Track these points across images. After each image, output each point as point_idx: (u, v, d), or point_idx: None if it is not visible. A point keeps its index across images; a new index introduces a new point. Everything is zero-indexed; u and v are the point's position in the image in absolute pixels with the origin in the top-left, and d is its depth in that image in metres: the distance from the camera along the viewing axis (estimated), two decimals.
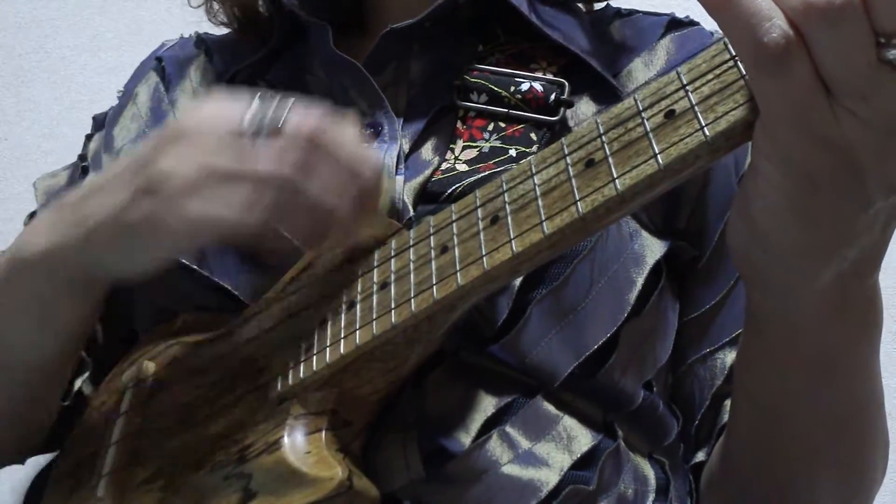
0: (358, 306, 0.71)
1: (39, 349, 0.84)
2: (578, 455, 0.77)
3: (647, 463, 0.83)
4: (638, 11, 0.98)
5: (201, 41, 1.04)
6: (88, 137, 1.08)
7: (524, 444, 0.76)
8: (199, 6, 1.03)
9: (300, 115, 0.69)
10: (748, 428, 0.78)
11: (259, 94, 0.71)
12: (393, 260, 0.72)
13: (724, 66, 0.56)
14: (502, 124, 0.84)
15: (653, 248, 0.84)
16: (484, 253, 0.65)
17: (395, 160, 0.82)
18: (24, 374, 0.86)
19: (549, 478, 0.75)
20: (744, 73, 0.55)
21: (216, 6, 1.02)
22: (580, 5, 0.96)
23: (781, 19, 0.50)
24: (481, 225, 0.66)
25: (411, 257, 0.70)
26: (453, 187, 0.79)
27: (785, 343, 0.68)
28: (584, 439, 0.78)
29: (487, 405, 0.76)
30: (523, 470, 0.75)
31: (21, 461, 0.96)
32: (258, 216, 0.67)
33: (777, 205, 0.57)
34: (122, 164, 0.74)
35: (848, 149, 0.52)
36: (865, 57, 0.49)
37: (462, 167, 0.81)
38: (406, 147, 0.84)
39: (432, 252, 0.69)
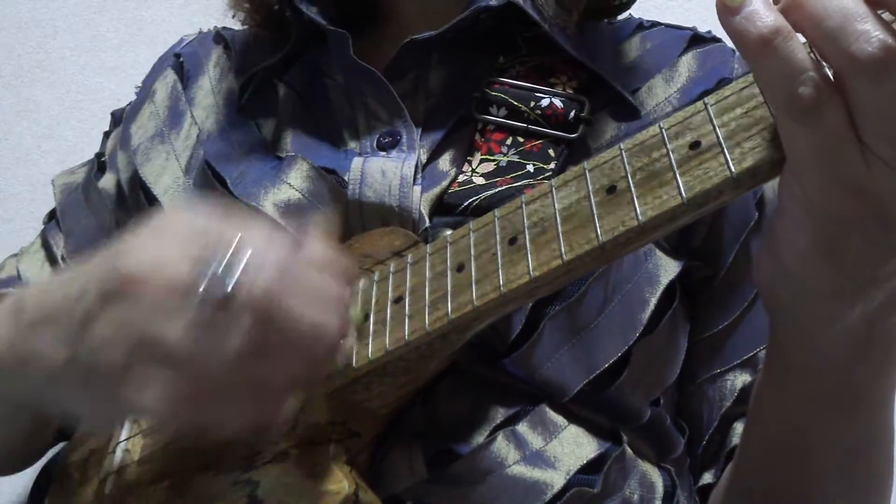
0: (371, 319, 0.71)
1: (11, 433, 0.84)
2: (585, 460, 0.77)
3: (656, 470, 0.84)
4: (660, 24, 0.98)
5: (220, 37, 1.04)
6: (106, 135, 1.08)
7: (531, 445, 0.76)
8: (197, 21, 1.02)
9: (256, 272, 0.59)
10: (764, 456, 0.77)
11: (208, 247, 0.60)
12: (409, 274, 0.71)
13: (754, 102, 0.56)
14: (521, 139, 0.83)
15: (667, 268, 0.84)
16: (501, 275, 0.64)
17: (412, 170, 0.82)
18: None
19: (554, 480, 0.75)
20: (773, 112, 0.55)
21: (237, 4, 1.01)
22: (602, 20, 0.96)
23: (818, 72, 0.49)
24: (499, 246, 0.66)
25: (427, 273, 0.70)
26: (470, 200, 0.79)
27: (809, 377, 0.68)
28: (590, 447, 0.78)
29: (496, 414, 0.76)
30: (529, 471, 0.75)
31: (26, 467, 0.97)
32: (188, 406, 0.60)
33: (805, 248, 0.56)
34: (69, 298, 0.64)
35: (878, 195, 0.52)
36: None
37: (479, 180, 0.81)
38: (424, 157, 0.84)
39: (448, 270, 0.68)
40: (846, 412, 0.70)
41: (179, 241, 0.61)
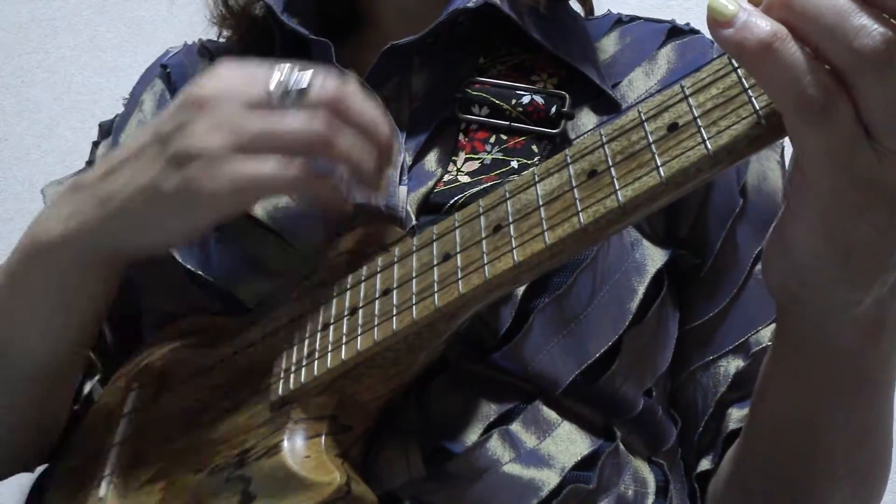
0: (360, 312, 0.71)
1: (51, 348, 0.84)
2: (579, 457, 0.77)
3: (647, 466, 0.84)
4: (639, 18, 0.99)
5: (205, 49, 1.05)
6: (95, 144, 1.08)
7: (526, 444, 0.76)
8: (198, 21, 1.03)
9: (321, 81, 0.71)
10: (772, 440, 0.77)
11: (278, 63, 0.72)
12: (396, 266, 0.72)
13: (728, 80, 0.57)
14: (504, 136, 0.84)
15: (654, 257, 0.85)
16: (486, 261, 0.65)
17: (398, 170, 0.82)
18: (32, 383, 0.86)
19: (549, 478, 0.75)
20: (746, 86, 0.55)
21: (224, 14, 1.02)
22: (579, 10, 0.96)
23: (822, 72, 0.49)
24: (484, 234, 0.67)
25: (414, 264, 0.70)
26: (456, 198, 0.80)
27: (820, 363, 0.68)
28: (583, 444, 0.78)
29: (489, 411, 0.76)
30: (524, 469, 0.75)
31: (30, 469, 0.97)
32: (294, 174, 0.70)
33: (817, 245, 0.56)
34: (142, 139, 0.75)
35: (891, 187, 0.52)
36: None
37: (464, 178, 0.82)
38: (409, 159, 0.84)
39: (435, 259, 0.69)
40: (854, 394, 0.70)
41: (241, 73, 0.73)
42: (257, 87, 0.71)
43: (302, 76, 0.71)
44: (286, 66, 0.72)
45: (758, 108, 0.54)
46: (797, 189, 0.55)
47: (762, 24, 0.50)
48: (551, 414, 0.78)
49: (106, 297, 0.85)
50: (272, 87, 0.71)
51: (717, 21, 0.51)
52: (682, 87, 0.59)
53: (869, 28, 0.47)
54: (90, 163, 1.07)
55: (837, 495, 0.79)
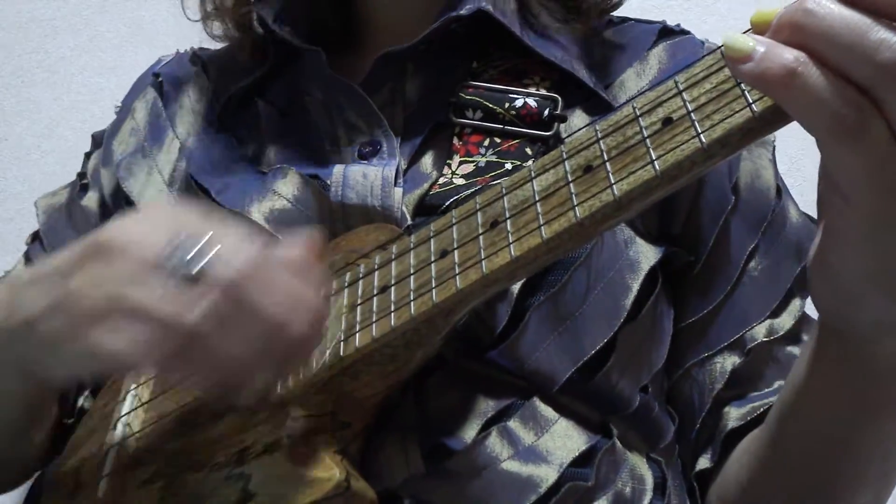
0: (358, 309, 0.72)
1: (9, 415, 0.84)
2: (577, 453, 0.78)
3: (645, 462, 0.84)
4: (630, 19, 0.99)
5: (197, 58, 1.05)
6: (87, 155, 1.09)
7: (524, 440, 0.76)
8: (198, 21, 1.03)
9: (226, 260, 0.63)
10: (801, 454, 0.77)
11: (185, 232, 0.65)
12: (393, 264, 0.72)
13: (721, 75, 0.57)
14: (497, 139, 0.85)
15: (647, 255, 0.85)
16: (483, 257, 0.65)
17: (393, 172, 0.83)
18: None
19: (548, 474, 0.75)
20: (739, 80, 0.56)
21: (214, 22, 1.02)
22: (578, 25, 0.96)
23: (851, 90, 0.48)
24: (481, 229, 0.67)
25: (411, 261, 0.71)
26: (451, 200, 0.80)
27: (859, 383, 0.68)
28: (580, 440, 0.79)
29: (486, 408, 0.77)
30: (523, 466, 0.75)
31: (13, 488, 0.97)
32: (155, 361, 0.63)
33: (864, 264, 0.56)
34: (52, 263, 0.70)
35: None
36: None
37: (459, 181, 0.82)
38: (404, 163, 0.85)
39: (432, 256, 0.69)
40: (892, 412, 0.71)
41: (159, 224, 0.66)
42: (158, 252, 0.64)
43: (201, 250, 0.63)
44: (193, 234, 0.64)
45: (751, 101, 0.55)
46: (837, 212, 0.55)
47: (783, 52, 0.49)
48: (548, 410, 0.79)
49: (50, 396, 0.86)
50: (167, 257, 0.63)
51: (736, 58, 0.50)
52: (676, 82, 0.60)
53: (889, 41, 0.47)
54: (82, 174, 1.07)
55: (861, 500, 0.79)
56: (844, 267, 0.58)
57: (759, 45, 0.50)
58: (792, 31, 0.50)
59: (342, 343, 0.71)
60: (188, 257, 0.63)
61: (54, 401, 0.90)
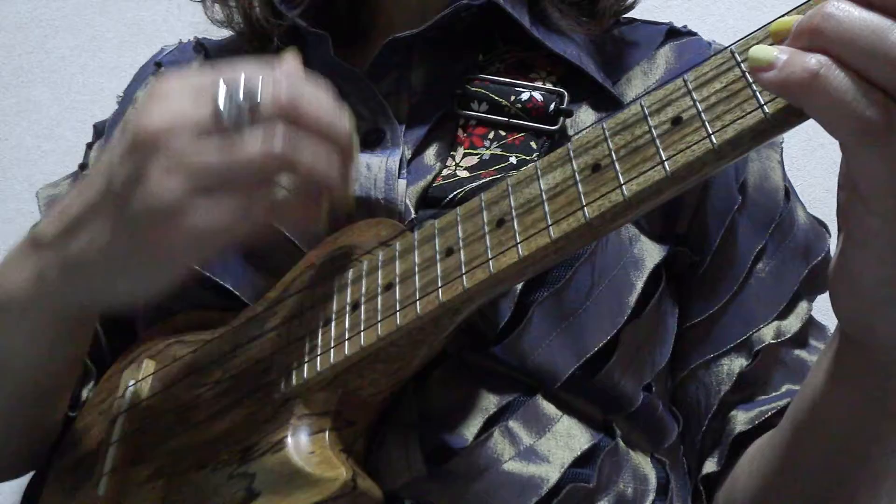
0: (362, 307, 0.71)
1: (34, 379, 0.84)
2: (579, 452, 0.77)
3: (648, 461, 0.84)
4: (637, 20, 0.99)
5: (201, 46, 1.05)
6: (89, 146, 1.08)
7: (525, 440, 0.76)
8: (198, 21, 1.03)
9: (271, 87, 0.66)
10: (818, 465, 0.77)
11: (219, 73, 0.67)
12: (397, 261, 0.72)
13: (731, 75, 0.57)
14: (503, 132, 0.84)
15: (652, 253, 0.85)
16: (490, 256, 0.65)
17: (397, 164, 0.82)
18: (19, 400, 0.86)
19: (549, 475, 0.75)
20: (750, 80, 0.55)
21: (215, 5, 1.02)
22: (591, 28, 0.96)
23: (876, 92, 0.48)
24: (487, 228, 0.67)
25: (416, 259, 0.70)
26: (454, 193, 0.80)
27: (880, 397, 0.68)
28: (583, 438, 0.79)
29: (489, 404, 0.76)
30: (524, 467, 0.75)
31: (18, 475, 0.97)
32: (259, 216, 0.66)
33: (888, 272, 0.56)
34: (96, 189, 0.70)
35: None
36: None
37: (463, 173, 0.82)
38: (408, 153, 0.84)
39: (437, 254, 0.69)
40: None
41: (187, 92, 0.67)
42: (205, 110, 0.65)
43: (250, 86, 0.65)
44: (232, 78, 0.66)
45: (762, 101, 0.54)
46: (858, 220, 0.55)
47: (805, 56, 0.49)
48: (550, 408, 0.79)
49: (84, 339, 0.85)
50: (221, 106, 0.65)
51: (760, 68, 0.50)
52: (686, 81, 0.59)
53: None
54: (83, 166, 1.06)
55: None
56: (866, 275, 0.57)
57: (782, 54, 0.49)
58: (812, 36, 0.49)
59: (347, 341, 0.70)
60: (239, 99, 0.65)
61: (87, 345, 0.89)
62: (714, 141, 0.56)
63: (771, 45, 0.52)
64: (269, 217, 0.67)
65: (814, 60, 0.49)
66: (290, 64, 0.69)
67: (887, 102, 0.48)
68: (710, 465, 0.89)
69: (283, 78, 0.66)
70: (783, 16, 0.54)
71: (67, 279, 0.73)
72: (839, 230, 0.59)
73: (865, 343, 0.65)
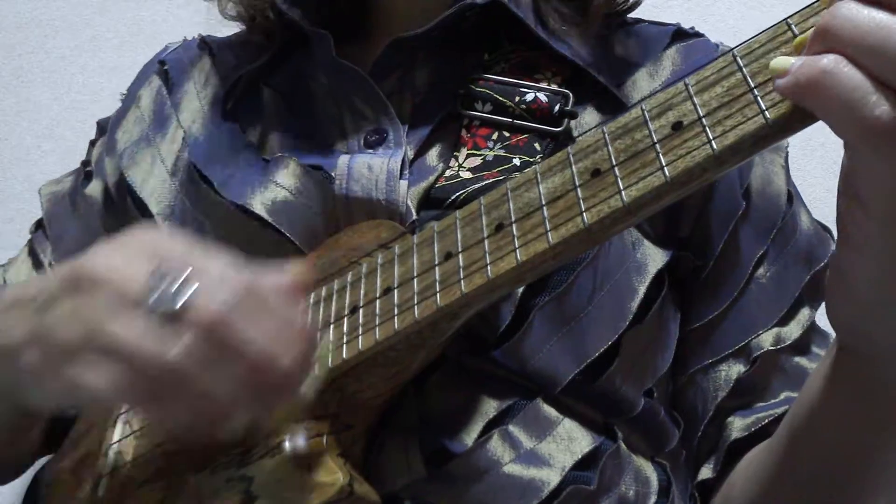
0: (361, 311, 0.71)
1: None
2: (580, 455, 0.77)
3: (650, 464, 0.83)
4: (643, 20, 0.98)
5: (205, 43, 1.05)
6: (92, 143, 1.08)
7: (526, 444, 0.76)
8: (198, 22, 1.03)
9: (208, 295, 0.61)
10: (813, 472, 0.77)
11: (166, 265, 0.62)
12: (396, 265, 0.71)
13: (733, 79, 0.56)
14: (506, 133, 0.84)
15: (655, 258, 0.85)
16: (488, 261, 0.65)
17: (399, 165, 0.82)
18: None
19: (550, 477, 0.75)
20: (752, 85, 0.55)
21: (228, 2, 1.02)
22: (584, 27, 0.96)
23: (885, 92, 0.47)
24: (486, 232, 0.66)
25: (415, 263, 0.70)
26: (457, 194, 0.79)
27: (878, 406, 0.68)
28: (584, 441, 0.78)
29: (489, 408, 0.76)
30: (525, 469, 0.75)
31: (15, 476, 0.98)
32: (131, 398, 0.63)
33: (884, 278, 0.55)
34: (31, 291, 0.69)
35: None
36: None
37: (466, 174, 0.81)
38: (411, 153, 0.84)
39: (436, 258, 0.69)
40: None
41: (142, 255, 0.64)
42: (139, 286, 0.61)
43: (182, 287, 0.61)
44: (174, 267, 0.62)
45: (763, 107, 0.54)
46: (857, 225, 0.54)
47: (817, 58, 0.49)
48: (551, 412, 0.78)
49: (34, 430, 0.87)
50: (150, 289, 0.61)
51: (777, 76, 0.50)
52: (687, 85, 0.59)
53: None
54: (86, 163, 1.06)
55: None
56: (862, 280, 0.57)
57: (797, 60, 0.50)
58: (825, 37, 0.49)
59: (345, 345, 0.70)
60: (170, 292, 0.60)
61: (39, 423, 0.90)
62: (714, 146, 0.55)
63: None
64: (144, 404, 0.64)
65: (825, 59, 0.48)
66: (270, 278, 0.65)
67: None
68: (705, 472, 0.89)
69: (227, 294, 0.61)
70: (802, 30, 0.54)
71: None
72: (838, 235, 0.58)
73: (859, 353, 0.65)
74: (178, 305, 0.60)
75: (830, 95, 0.48)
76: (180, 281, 0.61)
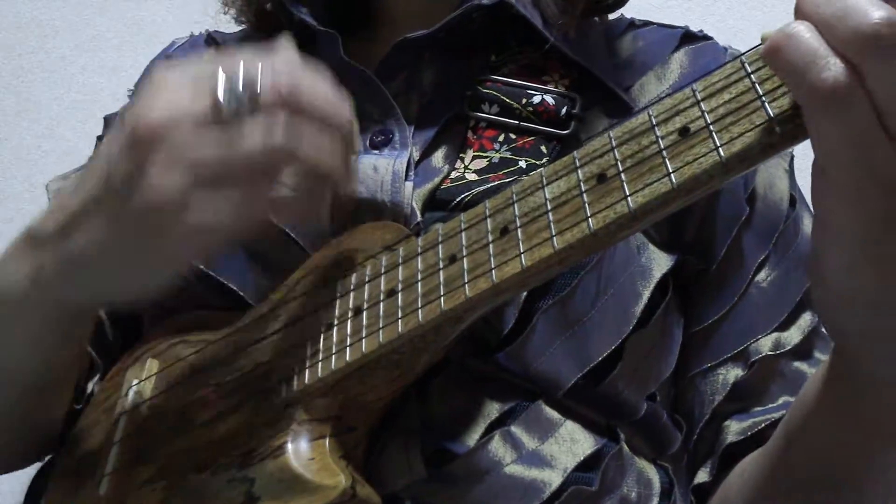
0: (364, 313, 0.71)
1: (33, 374, 0.84)
2: (582, 457, 0.77)
3: (652, 467, 0.83)
4: (652, 23, 0.98)
5: (212, 39, 1.04)
6: (99, 139, 1.08)
7: (528, 445, 0.76)
8: (197, 22, 1.03)
9: (270, 76, 0.64)
10: (806, 476, 0.76)
11: (218, 62, 0.65)
12: (401, 267, 0.71)
13: (741, 86, 0.56)
14: (513, 136, 0.84)
15: (660, 262, 0.84)
16: (493, 266, 0.65)
17: (404, 166, 0.82)
18: (19, 395, 0.86)
19: (552, 478, 0.75)
20: (760, 93, 0.55)
21: (231, 9, 1.02)
22: (595, 17, 0.96)
23: (836, 57, 0.49)
24: (491, 237, 0.66)
25: (419, 266, 0.70)
26: (462, 196, 0.79)
27: (871, 411, 0.67)
28: (586, 443, 0.78)
29: (490, 410, 0.76)
30: (526, 470, 0.75)
31: (25, 466, 0.97)
32: (261, 210, 0.66)
33: (852, 261, 0.55)
34: (95, 187, 0.69)
35: None
36: None
37: (472, 176, 0.81)
38: (416, 155, 0.84)
39: (441, 262, 0.68)
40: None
41: (186, 83, 0.66)
42: (205, 101, 0.64)
43: (249, 76, 0.64)
44: (231, 68, 0.64)
45: (772, 115, 0.54)
46: (821, 195, 0.54)
47: (788, 24, 0.51)
48: (553, 414, 0.78)
49: (82, 337, 0.85)
50: (221, 98, 0.63)
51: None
52: (694, 90, 0.58)
53: (868, 10, 0.48)
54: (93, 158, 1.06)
55: None
56: (834, 268, 0.57)
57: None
58: (798, 7, 0.51)
59: (349, 347, 0.70)
60: (238, 92, 0.63)
61: (86, 337, 0.89)
62: (722, 154, 0.55)
63: None
64: (271, 211, 0.66)
65: (791, 25, 0.50)
66: (287, 51, 0.68)
67: (843, 69, 0.49)
68: (702, 475, 0.89)
69: (282, 66, 0.65)
70: None
71: (65, 277, 0.72)
72: (813, 219, 0.58)
73: (846, 349, 0.65)
74: (256, 88, 0.64)
75: (787, 58, 0.50)
76: (240, 77, 0.64)
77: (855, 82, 0.49)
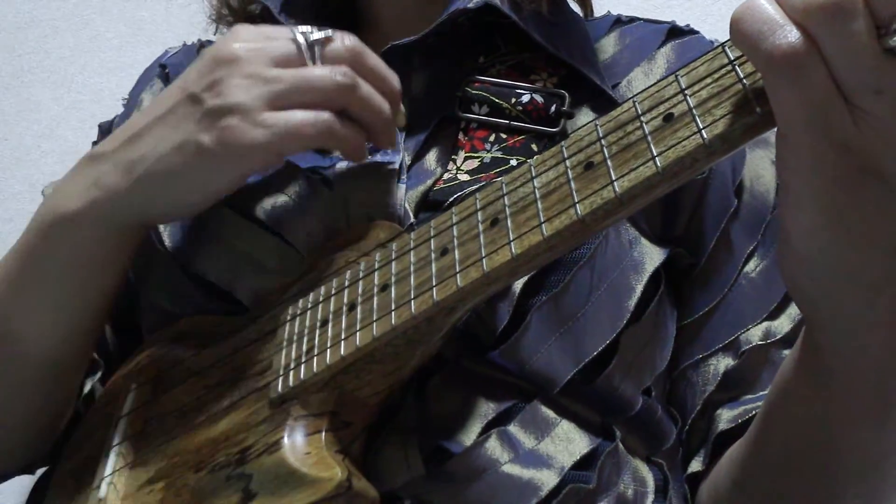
0: (358, 308, 0.72)
1: (61, 333, 0.85)
2: (578, 456, 0.77)
3: (645, 466, 0.83)
4: (638, 19, 0.99)
5: (204, 48, 1.04)
6: (94, 145, 1.08)
7: (525, 444, 0.76)
8: (210, 17, 1.04)
9: (340, 36, 0.77)
10: (785, 458, 0.76)
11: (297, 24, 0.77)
12: (394, 262, 0.72)
13: (723, 70, 0.57)
14: (503, 135, 0.84)
15: (652, 256, 0.85)
16: (483, 255, 0.65)
17: (396, 168, 0.82)
18: (38, 371, 0.86)
19: (549, 478, 0.75)
20: (742, 76, 0.55)
21: (225, 12, 1.02)
22: (578, 11, 0.96)
23: (792, 25, 0.50)
24: (481, 227, 0.67)
25: (412, 259, 0.71)
26: (455, 196, 0.80)
27: (843, 382, 0.66)
28: (582, 442, 0.78)
29: (487, 410, 0.76)
30: (523, 469, 0.75)
31: (31, 471, 0.97)
32: (326, 124, 0.74)
33: (812, 223, 0.56)
34: (170, 100, 0.77)
35: (870, 152, 0.52)
36: (870, 49, 0.49)
37: (464, 177, 0.82)
38: (408, 159, 0.84)
39: (433, 254, 0.69)
40: (877, 421, 0.69)
41: (262, 36, 0.77)
42: (281, 43, 0.75)
43: (322, 31, 0.77)
44: (306, 26, 0.77)
45: (752, 96, 0.55)
46: (783, 159, 0.55)
47: None
48: (549, 413, 0.78)
49: (122, 272, 0.86)
50: (298, 38, 0.75)
51: None
52: (678, 77, 0.59)
53: None
54: None
55: None
56: (797, 233, 0.57)
57: None
58: None
59: (343, 342, 0.71)
60: (311, 38, 0.76)
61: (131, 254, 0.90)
62: (704, 136, 0.56)
63: None
64: (328, 134, 0.74)
65: None
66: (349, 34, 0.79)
67: (798, 36, 0.50)
68: (695, 465, 0.88)
69: (350, 36, 0.78)
70: None
71: (129, 179, 0.77)
72: (778, 185, 0.59)
73: (813, 320, 0.65)
74: (331, 36, 0.77)
75: (747, 28, 0.51)
76: (314, 31, 0.77)
77: (811, 48, 0.50)
